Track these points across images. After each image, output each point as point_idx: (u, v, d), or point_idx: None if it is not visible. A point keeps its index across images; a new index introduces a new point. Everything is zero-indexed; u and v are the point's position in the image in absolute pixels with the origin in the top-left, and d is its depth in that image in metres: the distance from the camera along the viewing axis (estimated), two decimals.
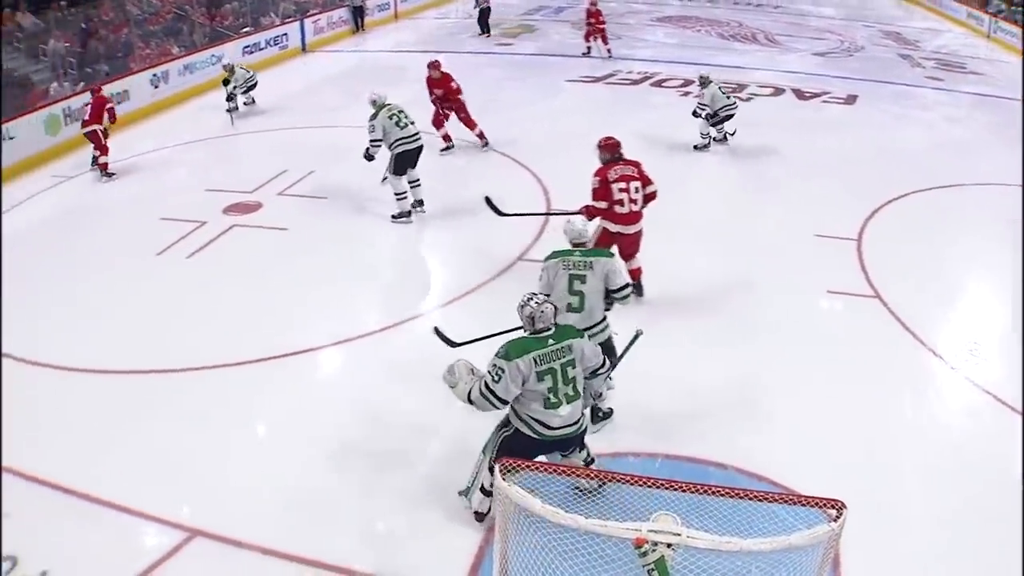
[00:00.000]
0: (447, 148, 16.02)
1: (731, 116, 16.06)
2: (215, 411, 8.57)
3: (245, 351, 9.41)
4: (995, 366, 9.48)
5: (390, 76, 19.60)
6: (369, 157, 12.64)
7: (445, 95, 15.72)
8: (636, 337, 7.45)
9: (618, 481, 5.25)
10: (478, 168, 15.39)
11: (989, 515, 7.18)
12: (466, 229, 12.69)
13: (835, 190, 14.62)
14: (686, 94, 21.19)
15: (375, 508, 7.26)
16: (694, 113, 16.12)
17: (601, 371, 6.70)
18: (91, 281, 11.33)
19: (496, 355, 6.32)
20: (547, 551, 5.35)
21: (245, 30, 24.95)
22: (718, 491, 6.02)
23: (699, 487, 5.63)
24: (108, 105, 15.55)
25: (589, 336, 7.26)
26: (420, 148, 12.78)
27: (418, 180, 13.00)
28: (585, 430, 6.66)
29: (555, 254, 8.03)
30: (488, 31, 28.65)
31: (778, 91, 22.02)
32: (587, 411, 6.93)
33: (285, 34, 25.07)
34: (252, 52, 23.36)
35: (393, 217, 12.74)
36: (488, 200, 10.87)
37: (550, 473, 5.71)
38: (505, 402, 6.33)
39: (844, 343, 9.64)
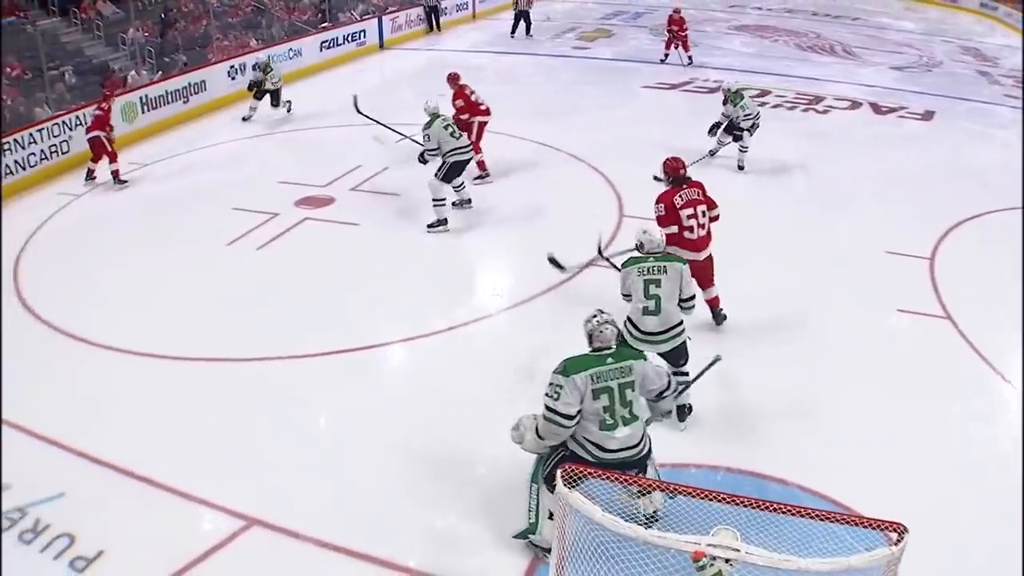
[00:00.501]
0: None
1: (753, 127, 15.18)
2: (278, 402, 8.66)
3: (312, 344, 9.52)
4: None
5: (466, 76, 19.61)
6: (424, 161, 12.85)
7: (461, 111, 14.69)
8: (714, 362, 7.48)
9: (679, 492, 5.24)
10: (553, 173, 15.35)
11: None
12: (536, 232, 12.70)
13: (909, 207, 14.46)
14: (762, 104, 21.08)
15: (433, 509, 7.28)
16: (714, 128, 15.33)
17: (667, 393, 6.65)
18: (162, 268, 11.51)
19: (554, 371, 6.30)
20: (604, 560, 5.39)
21: (323, 25, 25.19)
22: (779, 508, 6.00)
23: (760, 502, 5.61)
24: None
25: (666, 339, 8.09)
26: (471, 158, 13.11)
27: (463, 183, 13.14)
28: (647, 455, 6.50)
29: (631, 260, 8.40)
30: (528, 32, 28.73)
31: (855, 104, 21.83)
32: (670, 416, 6.93)
33: (363, 31, 25.26)
34: (330, 47, 23.63)
35: (429, 227, 12.58)
36: (552, 259, 10.39)
37: (613, 480, 5.72)
38: (570, 418, 6.19)
39: (912, 363, 9.52)
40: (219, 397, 8.72)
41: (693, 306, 8.53)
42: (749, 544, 4.84)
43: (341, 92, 19.60)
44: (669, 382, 6.66)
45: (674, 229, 9.49)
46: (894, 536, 4.85)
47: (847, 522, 5.40)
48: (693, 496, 5.30)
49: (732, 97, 15.17)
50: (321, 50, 23.13)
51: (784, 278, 11.32)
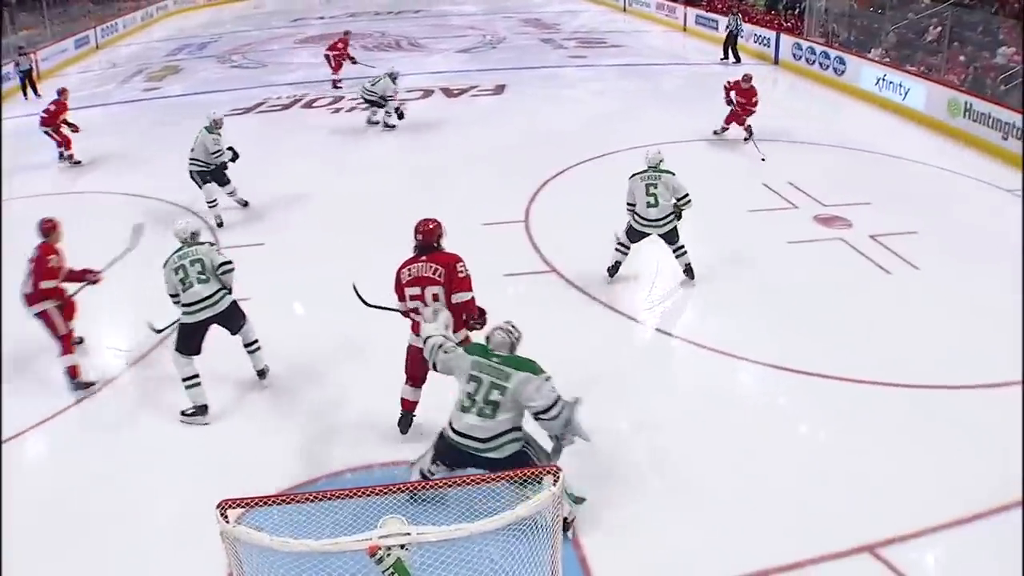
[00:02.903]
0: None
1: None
2: None
3: None
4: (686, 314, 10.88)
5: (44, 140, 18.88)
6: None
7: None
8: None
9: (338, 497, 5.35)
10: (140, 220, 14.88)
11: None
12: (140, 282, 12.36)
13: (496, 178, 15.24)
14: (337, 111, 21.51)
15: None
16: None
17: (545, 416, 6.70)
18: None
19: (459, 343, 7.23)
20: None
21: None
22: (436, 484, 6.24)
23: (417, 484, 5.84)
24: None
25: (663, 224, 11.10)
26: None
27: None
28: (496, 461, 6.66)
29: (635, 174, 11.26)
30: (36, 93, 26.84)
31: (427, 92, 22.58)
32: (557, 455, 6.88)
33: None
34: None
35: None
36: (355, 288, 9.52)
37: (279, 504, 5.77)
38: (434, 367, 7.18)
39: (528, 315, 10.01)
40: None
41: (689, 201, 11.21)
42: (419, 526, 4.94)
43: None
44: (551, 408, 6.69)
45: (401, 305, 8.38)
46: (551, 479, 5.17)
47: (504, 479, 5.70)
48: (354, 497, 5.43)
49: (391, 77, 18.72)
50: None
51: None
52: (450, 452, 6.88)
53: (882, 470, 7.79)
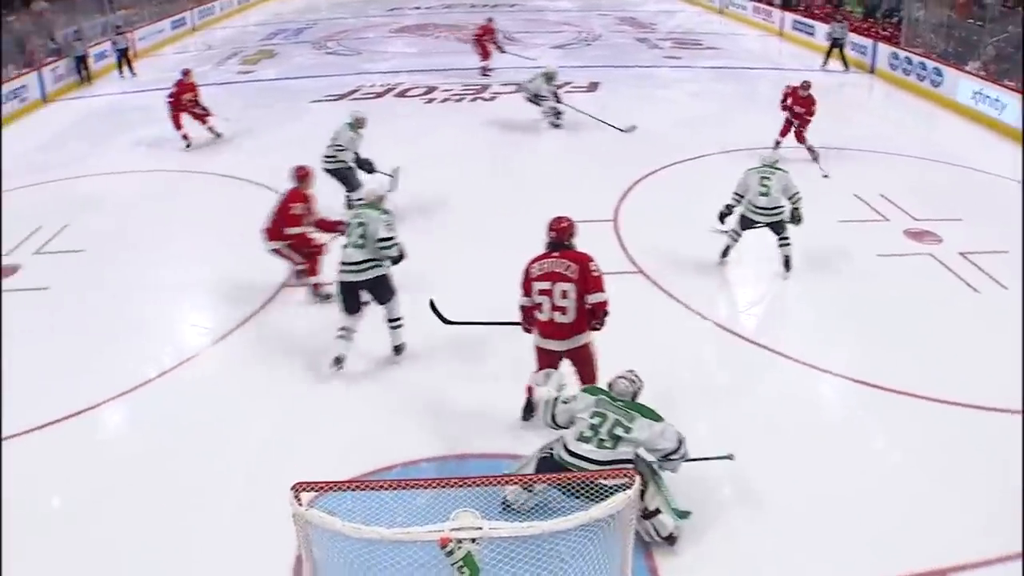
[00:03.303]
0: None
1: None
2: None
3: (23, 420, 8.95)
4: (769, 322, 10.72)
5: (138, 117, 19.18)
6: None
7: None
8: (725, 456, 7.52)
9: (413, 487, 5.34)
10: (234, 203, 15.21)
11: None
12: (221, 262, 12.82)
13: (588, 177, 15.16)
14: (429, 101, 21.59)
15: (183, 561, 7.06)
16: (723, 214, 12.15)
17: (674, 457, 6.89)
18: None
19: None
20: (358, 570, 5.43)
21: None
22: (511, 480, 6.21)
23: (493, 479, 5.80)
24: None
25: (772, 215, 11.40)
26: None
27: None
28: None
29: (750, 168, 11.76)
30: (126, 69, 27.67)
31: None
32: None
33: (24, 86, 23.93)
34: None
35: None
36: (432, 305, 9.76)
37: (352, 490, 5.77)
38: (556, 424, 7.06)
39: (617, 316, 9.96)
40: None
41: (800, 198, 11.54)
42: (492, 521, 4.95)
43: (8, 154, 18.77)
44: (678, 448, 6.89)
45: (526, 300, 8.11)
46: (628, 482, 5.12)
47: (581, 480, 5.65)
48: (429, 488, 5.43)
49: (546, 77, 18.29)
50: None
51: (497, 265, 11.23)
52: (556, 471, 6.69)
53: (960, 494, 7.60)
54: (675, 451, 6.85)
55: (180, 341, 10.73)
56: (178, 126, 18.40)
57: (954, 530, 7.18)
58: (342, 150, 13.63)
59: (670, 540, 6.86)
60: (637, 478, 5.14)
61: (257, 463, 8.23)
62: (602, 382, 7.43)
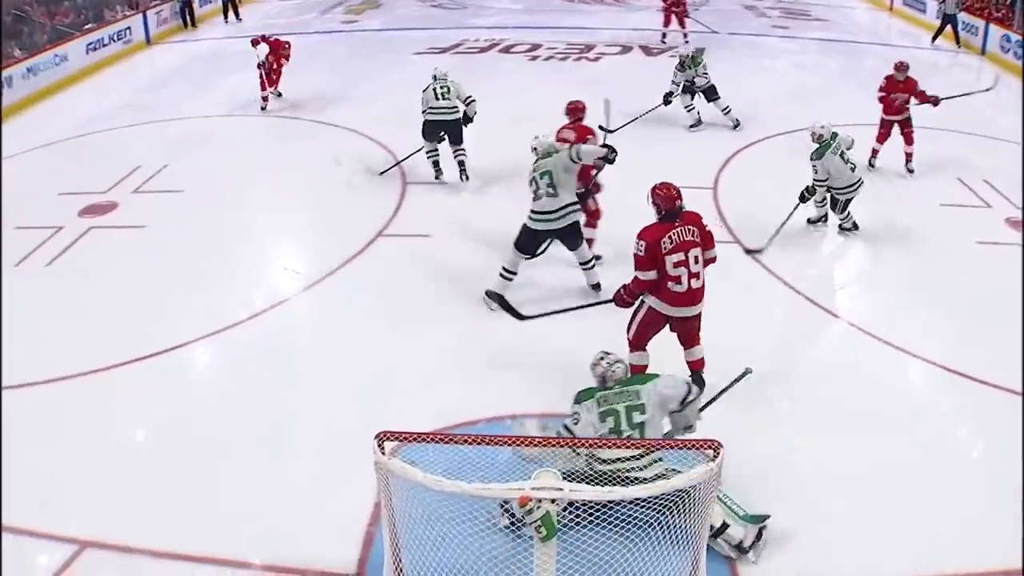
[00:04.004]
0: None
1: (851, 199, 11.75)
2: (90, 418, 8.33)
3: (115, 355, 9.18)
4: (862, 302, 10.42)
5: (241, 62, 19.29)
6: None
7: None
8: (743, 375, 7.40)
9: (497, 444, 5.33)
10: (335, 148, 15.26)
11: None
12: (320, 207, 13.01)
13: (688, 143, 14.99)
14: (534, 58, 21.48)
15: (260, 503, 7.18)
16: (805, 194, 11.67)
17: (690, 397, 6.73)
18: None
19: (573, 402, 6.78)
20: (436, 522, 5.46)
21: (87, 27, 24.22)
22: (595, 443, 6.17)
23: (577, 441, 5.76)
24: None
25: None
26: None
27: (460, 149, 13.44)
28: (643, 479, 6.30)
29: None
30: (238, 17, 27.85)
31: (625, 49, 22.33)
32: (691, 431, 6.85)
33: (128, 28, 24.31)
34: (96, 49, 22.62)
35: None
36: (505, 304, 10.00)
37: (435, 442, 5.78)
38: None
39: (711, 284, 9.84)
40: (26, 423, 8.18)
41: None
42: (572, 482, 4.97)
43: (113, 93, 19.08)
44: (690, 388, 6.78)
45: (652, 275, 7.88)
46: (711, 453, 5.05)
47: (664, 447, 5.60)
48: (511, 445, 5.42)
49: (691, 61, 15.76)
50: (87, 52, 22.20)
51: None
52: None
53: None
54: (689, 391, 6.70)
55: (272, 284, 10.86)
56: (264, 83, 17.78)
57: None
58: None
59: (741, 549, 6.52)
60: (722, 451, 5.05)
61: (341, 410, 8.29)
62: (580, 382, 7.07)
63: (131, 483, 7.45)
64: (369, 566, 6.44)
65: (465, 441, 5.24)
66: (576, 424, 6.63)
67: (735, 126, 16.14)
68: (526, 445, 5.47)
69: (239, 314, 10.04)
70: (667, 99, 15.85)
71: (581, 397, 6.75)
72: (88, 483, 7.48)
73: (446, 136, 13.32)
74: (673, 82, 15.90)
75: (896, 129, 13.99)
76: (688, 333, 8.22)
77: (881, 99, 14.03)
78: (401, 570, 5.46)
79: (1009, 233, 12.19)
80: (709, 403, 7.15)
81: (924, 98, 13.90)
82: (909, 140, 14.12)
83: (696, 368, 8.31)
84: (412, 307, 9.98)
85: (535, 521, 4.79)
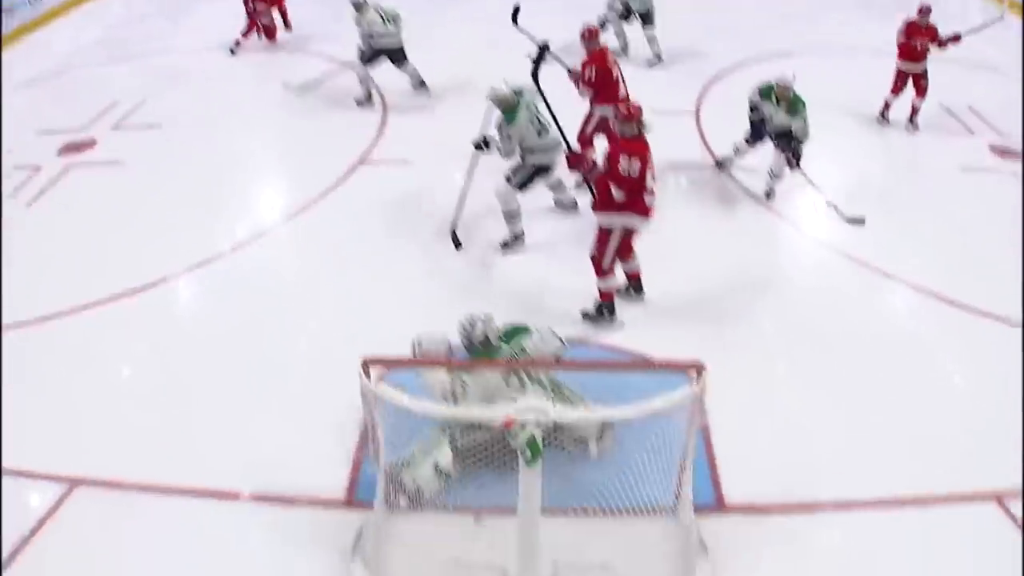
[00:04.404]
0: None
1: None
2: (77, 357, 8.39)
3: (98, 291, 9.20)
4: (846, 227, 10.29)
5: None
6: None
7: None
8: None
9: (484, 368, 5.37)
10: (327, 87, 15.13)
11: None
12: (301, 142, 12.93)
13: (669, 70, 14.89)
14: None
15: (250, 431, 7.29)
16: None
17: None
18: None
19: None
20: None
21: None
22: (575, 365, 6.20)
23: (556, 362, 5.80)
24: None
25: None
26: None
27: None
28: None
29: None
30: None
31: None
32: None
33: None
34: None
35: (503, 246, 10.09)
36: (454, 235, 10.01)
37: (420, 366, 5.81)
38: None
39: (693, 212, 9.84)
40: (10, 363, 8.18)
41: None
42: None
43: (89, 28, 18.79)
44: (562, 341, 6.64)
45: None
46: (694, 375, 5.09)
47: (646, 368, 5.64)
48: (493, 368, 5.46)
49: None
50: None
51: None
52: None
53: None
54: (562, 342, 6.57)
55: (254, 216, 10.88)
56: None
57: (1015, 456, 6.95)
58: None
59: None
60: (705, 373, 5.09)
61: (325, 339, 8.40)
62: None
63: (118, 419, 7.51)
64: (358, 489, 6.56)
65: (449, 365, 5.28)
66: (464, 388, 6.20)
67: (654, 62, 15.34)
68: (516, 367, 5.50)
69: (221, 247, 10.06)
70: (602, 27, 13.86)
71: (460, 377, 6.25)
72: (75, 421, 7.54)
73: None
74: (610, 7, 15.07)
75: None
76: (631, 246, 8.47)
77: (901, 46, 12.81)
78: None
79: (994, 160, 12.13)
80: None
81: (946, 43, 12.73)
82: (921, 91, 12.95)
83: (635, 277, 8.78)
84: (394, 237, 10.02)
85: (521, 445, 4.83)
